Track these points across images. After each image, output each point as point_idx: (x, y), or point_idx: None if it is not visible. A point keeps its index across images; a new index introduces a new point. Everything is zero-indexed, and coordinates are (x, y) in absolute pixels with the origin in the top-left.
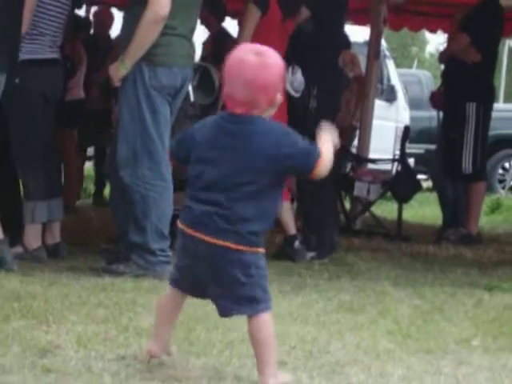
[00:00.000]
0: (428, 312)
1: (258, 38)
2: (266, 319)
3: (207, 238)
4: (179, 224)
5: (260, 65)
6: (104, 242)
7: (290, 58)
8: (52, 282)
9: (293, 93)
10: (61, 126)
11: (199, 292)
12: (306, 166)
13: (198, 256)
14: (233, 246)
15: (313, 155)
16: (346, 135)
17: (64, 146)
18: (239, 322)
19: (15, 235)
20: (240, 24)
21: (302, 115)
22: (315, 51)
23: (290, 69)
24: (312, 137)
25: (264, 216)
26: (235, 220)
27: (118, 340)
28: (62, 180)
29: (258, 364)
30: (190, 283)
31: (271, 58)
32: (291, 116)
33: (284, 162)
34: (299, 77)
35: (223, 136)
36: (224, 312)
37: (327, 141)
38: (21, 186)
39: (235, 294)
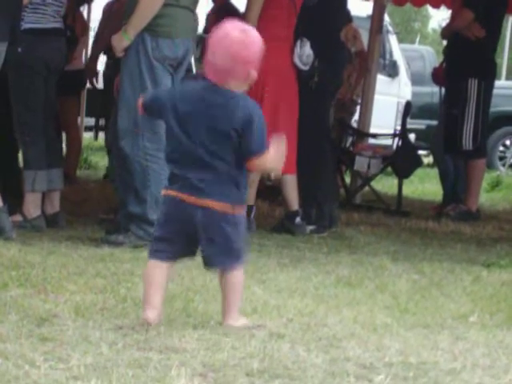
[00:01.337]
0: (426, 287)
1: (266, 12)
2: (242, 272)
3: (202, 202)
4: (169, 192)
5: (243, 41)
6: (103, 212)
7: (297, 32)
8: (51, 252)
9: (301, 66)
10: (62, 96)
11: (188, 252)
12: (251, 151)
13: (192, 220)
14: (228, 207)
15: (262, 148)
16: (346, 109)
17: (65, 116)
18: None
19: (15, 204)
20: None
21: (305, 89)
22: (318, 25)
23: (299, 42)
24: (314, 110)
25: (245, 179)
26: (228, 184)
27: (116, 310)
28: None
29: (225, 307)
30: (179, 247)
31: (254, 37)
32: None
33: (242, 139)
34: (308, 50)
35: (209, 107)
36: (213, 265)
37: (276, 151)
38: (20, 155)
39: (227, 249)
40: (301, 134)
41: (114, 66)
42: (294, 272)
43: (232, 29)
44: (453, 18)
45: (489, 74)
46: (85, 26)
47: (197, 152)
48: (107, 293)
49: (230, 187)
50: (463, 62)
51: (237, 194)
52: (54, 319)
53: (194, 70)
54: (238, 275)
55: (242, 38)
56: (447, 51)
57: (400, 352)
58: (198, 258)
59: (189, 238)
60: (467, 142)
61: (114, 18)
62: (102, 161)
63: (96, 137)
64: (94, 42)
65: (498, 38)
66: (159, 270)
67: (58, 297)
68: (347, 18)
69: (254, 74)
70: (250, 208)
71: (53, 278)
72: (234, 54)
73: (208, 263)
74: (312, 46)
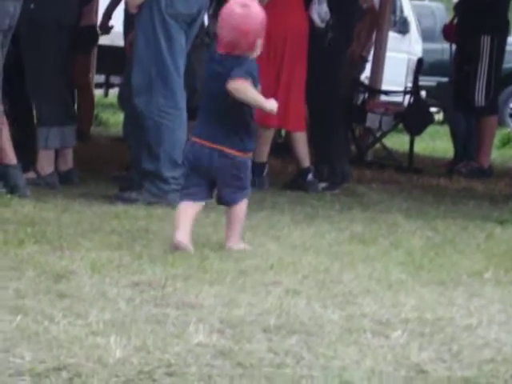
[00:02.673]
0: (440, 244)
1: None
2: (246, 203)
3: (217, 147)
4: (193, 138)
5: (244, 14)
6: (116, 169)
7: None
8: (65, 209)
9: (319, 22)
10: (74, 52)
11: (207, 192)
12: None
13: (207, 161)
14: (235, 152)
15: (238, 72)
16: (355, 66)
17: (77, 73)
18: (251, 250)
19: (28, 161)
20: None
21: (318, 46)
22: None
23: None
24: (328, 67)
25: (250, 130)
26: (235, 132)
27: (132, 267)
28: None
29: (228, 233)
30: (202, 186)
31: (254, 10)
32: (311, 46)
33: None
34: (325, 7)
35: (215, 74)
36: (227, 202)
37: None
38: (34, 112)
39: (235, 187)
40: (314, 91)
41: (126, 22)
42: (308, 229)
43: (235, 5)
44: None
45: (502, 30)
46: None
47: (211, 109)
48: (123, 250)
49: (237, 136)
50: (476, 18)
51: (243, 142)
52: (70, 276)
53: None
54: (242, 208)
55: (243, 13)
56: (460, 8)
57: (416, 308)
58: (212, 215)
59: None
60: (479, 99)
61: None
62: (112, 118)
63: (106, 94)
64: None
65: None
66: (189, 206)
67: (73, 253)
68: None
69: (261, 42)
70: (262, 165)
71: (68, 234)
72: (236, 27)
73: (222, 201)
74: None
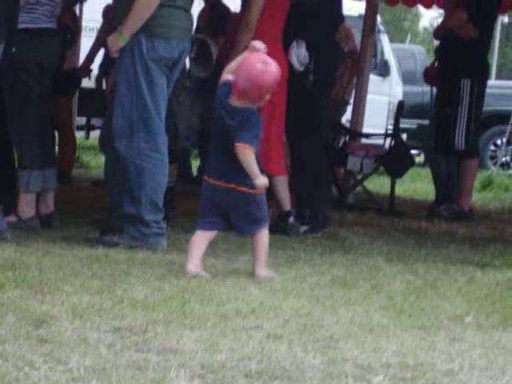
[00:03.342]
0: (421, 288)
1: (264, 12)
2: (266, 232)
3: (229, 185)
4: (206, 177)
5: (263, 71)
6: (97, 212)
7: (289, 33)
8: (46, 252)
9: (298, 66)
10: (56, 95)
11: (223, 225)
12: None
13: (221, 199)
14: (249, 190)
15: (246, 137)
16: (337, 109)
17: (60, 115)
18: (233, 294)
19: (9, 204)
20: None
21: (299, 89)
22: (312, 26)
23: (295, 43)
24: (309, 110)
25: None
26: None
27: (113, 311)
28: (57, 149)
29: (255, 262)
30: (216, 220)
31: (272, 68)
32: (290, 90)
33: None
34: (304, 51)
35: (223, 122)
36: (243, 232)
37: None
38: (15, 155)
39: (249, 220)
40: (297, 134)
41: (104, 65)
42: (289, 272)
43: (257, 60)
44: (446, 18)
45: (482, 74)
46: (79, 27)
47: (221, 150)
48: (104, 294)
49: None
50: (456, 62)
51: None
52: (51, 320)
53: (189, 71)
54: (262, 237)
55: (262, 69)
56: (440, 51)
57: (397, 353)
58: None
59: (221, 213)
60: (459, 142)
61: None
62: (93, 160)
63: (87, 136)
64: (94, 44)
65: (490, 38)
66: (202, 236)
67: (54, 298)
68: (340, 17)
69: (269, 97)
70: None
71: (49, 279)
72: (253, 80)
73: (239, 232)
74: (307, 47)
